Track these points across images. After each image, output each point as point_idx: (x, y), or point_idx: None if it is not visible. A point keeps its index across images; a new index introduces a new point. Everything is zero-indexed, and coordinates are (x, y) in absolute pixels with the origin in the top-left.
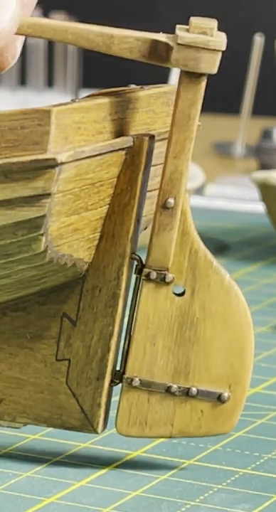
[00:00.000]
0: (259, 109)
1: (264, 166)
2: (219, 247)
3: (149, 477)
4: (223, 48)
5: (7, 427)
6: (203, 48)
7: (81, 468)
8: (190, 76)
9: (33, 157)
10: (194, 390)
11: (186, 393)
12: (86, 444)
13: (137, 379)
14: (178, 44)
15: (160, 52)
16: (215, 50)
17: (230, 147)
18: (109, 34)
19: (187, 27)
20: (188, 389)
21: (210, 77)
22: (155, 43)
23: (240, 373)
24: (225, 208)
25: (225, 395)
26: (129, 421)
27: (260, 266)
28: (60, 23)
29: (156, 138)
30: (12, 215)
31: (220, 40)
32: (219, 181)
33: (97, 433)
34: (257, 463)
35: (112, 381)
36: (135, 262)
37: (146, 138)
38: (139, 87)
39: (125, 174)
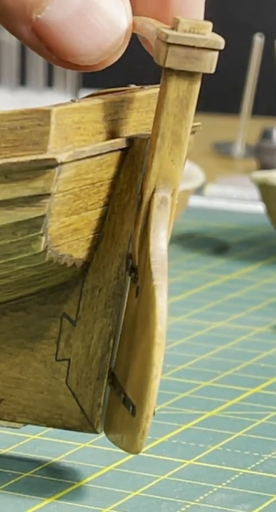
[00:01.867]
0: (260, 109)
1: (264, 166)
2: (219, 247)
3: (149, 477)
4: (220, 47)
5: (7, 427)
6: (195, 48)
7: (81, 468)
8: (163, 71)
9: (33, 157)
10: (122, 395)
11: (122, 398)
12: (86, 444)
13: (112, 379)
14: (169, 44)
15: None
16: (210, 48)
17: (230, 147)
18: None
19: (179, 25)
20: (121, 393)
21: (210, 77)
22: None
23: (143, 389)
24: (225, 208)
25: (131, 407)
26: (106, 422)
27: (260, 266)
28: None
29: None
30: (12, 215)
31: (215, 39)
32: (219, 181)
33: (97, 433)
34: (257, 463)
35: (111, 381)
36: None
37: (146, 138)
38: (139, 87)
39: (125, 174)
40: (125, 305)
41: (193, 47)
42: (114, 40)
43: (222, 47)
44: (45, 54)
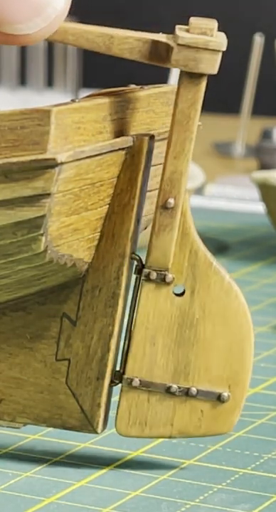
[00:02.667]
0: (260, 109)
1: (264, 166)
2: (219, 247)
3: (149, 477)
4: (223, 49)
5: (7, 427)
6: (203, 49)
7: (81, 468)
8: (190, 76)
9: (33, 157)
10: (194, 390)
11: (186, 393)
12: (86, 444)
13: (137, 379)
14: (179, 44)
15: (160, 52)
16: (215, 50)
17: (230, 147)
18: (108, 35)
19: (187, 27)
20: (188, 389)
21: (210, 77)
22: (155, 43)
23: (240, 374)
24: (225, 208)
25: (225, 394)
26: (129, 421)
27: (260, 266)
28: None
29: (156, 138)
30: (12, 215)
31: (220, 40)
32: (219, 181)
33: (96, 433)
34: (257, 463)
35: (111, 381)
36: (135, 262)
37: (146, 138)
38: (139, 87)
39: (125, 174)
40: (141, 308)
41: (205, 49)
42: (54, 4)
43: (224, 48)
44: None
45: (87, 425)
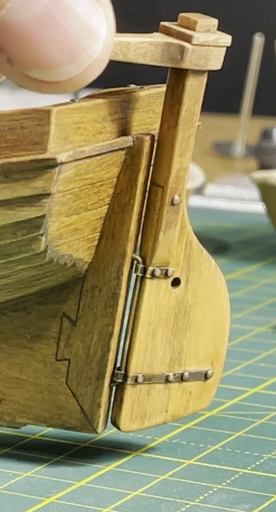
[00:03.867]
0: (259, 109)
1: (264, 166)
2: (219, 247)
3: (149, 477)
4: (229, 44)
5: (7, 427)
6: (213, 46)
7: (81, 468)
8: (196, 74)
9: (33, 157)
10: (187, 374)
11: (181, 378)
12: (86, 444)
13: (141, 375)
14: (193, 45)
15: (172, 54)
16: (222, 46)
17: (230, 147)
18: (125, 42)
19: (177, 23)
20: (182, 374)
21: (210, 77)
22: (167, 45)
23: (220, 349)
24: (225, 208)
25: (210, 372)
26: (132, 417)
27: (260, 266)
28: None
29: (156, 138)
30: (12, 215)
31: (226, 36)
32: (219, 181)
33: (97, 433)
34: (257, 463)
35: (111, 381)
36: (135, 262)
37: (146, 138)
38: (139, 87)
39: (125, 174)
40: (142, 306)
41: (214, 46)
42: (89, 51)
43: (229, 43)
44: (5, 68)
45: (87, 425)
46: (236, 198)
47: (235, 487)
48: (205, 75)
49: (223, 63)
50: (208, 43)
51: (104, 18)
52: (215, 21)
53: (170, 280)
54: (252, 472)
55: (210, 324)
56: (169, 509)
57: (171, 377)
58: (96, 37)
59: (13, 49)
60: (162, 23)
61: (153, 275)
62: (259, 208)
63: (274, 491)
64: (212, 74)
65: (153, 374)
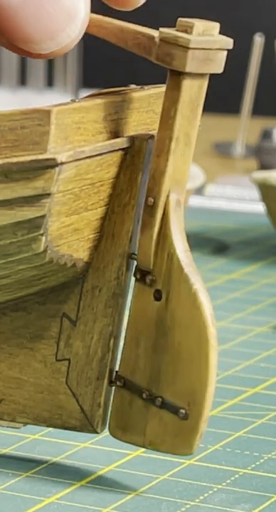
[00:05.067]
0: (260, 109)
1: (264, 166)
2: (219, 247)
3: (149, 477)
4: (230, 47)
5: (7, 426)
6: (174, 44)
7: (81, 469)
8: (172, 74)
9: (33, 157)
10: (159, 400)
11: (153, 402)
12: (86, 444)
13: (123, 380)
14: (160, 39)
15: (145, 46)
16: (221, 50)
17: (230, 147)
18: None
19: (174, 28)
20: (155, 398)
21: (210, 77)
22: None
23: (197, 392)
24: (225, 208)
25: (183, 411)
26: (116, 423)
27: (260, 266)
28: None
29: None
30: (12, 215)
31: (225, 40)
32: (219, 181)
33: (97, 433)
34: (257, 463)
35: (111, 381)
36: (134, 262)
37: (146, 138)
38: (139, 87)
39: (125, 174)
40: (131, 308)
41: (210, 49)
42: (69, 31)
43: (231, 46)
44: None
45: (87, 425)
46: (236, 198)
47: (235, 487)
48: (206, 78)
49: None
50: (169, 40)
51: (83, 1)
52: (214, 24)
53: (152, 290)
54: (252, 472)
55: (188, 356)
56: (169, 509)
57: (145, 396)
58: (75, 18)
59: (3, 23)
60: (161, 29)
61: (136, 277)
62: (260, 207)
63: (274, 491)
64: (212, 74)
65: (133, 384)
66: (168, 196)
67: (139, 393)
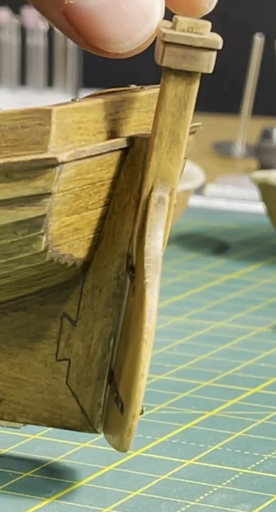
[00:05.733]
0: (260, 109)
1: (264, 166)
2: (219, 247)
3: (149, 477)
4: (217, 47)
5: (7, 426)
6: (159, 39)
7: (81, 468)
8: (162, 70)
9: (34, 156)
10: (115, 394)
11: (115, 398)
12: (86, 444)
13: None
14: (168, 43)
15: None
16: (206, 49)
17: (230, 147)
18: None
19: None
20: (117, 393)
21: (210, 77)
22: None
23: (130, 386)
24: (225, 208)
25: (120, 405)
26: (105, 421)
27: (260, 266)
28: None
29: None
30: (12, 215)
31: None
32: (219, 181)
33: (97, 433)
34: (257, 463)
35: (110, 381)
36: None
37: (147, 138)
38: (140, 87)
39: (125, 174)
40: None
41: (191, 46)
42: (145, 31)
43: (220, 47)
44: (73, 37)
45: (88, 425)
46: (236, 198)
47: (235, 487)
48: (194, 77)
49: (223, 63)
50: (183, 42)
51: (159, 1)
52: (205, 23)
53: (132, 286)
54: (252, 472)
55: (132, 350)
56: (169, 509)
57: (115, 395)
58: (151, 18)
59: (80, 26)
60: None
61: (129, 274)
62: (260, 207)
63: (274, 491)
64: (212, 74)
65: (115, 382)
66: (150, 193)
67: (113, 389)
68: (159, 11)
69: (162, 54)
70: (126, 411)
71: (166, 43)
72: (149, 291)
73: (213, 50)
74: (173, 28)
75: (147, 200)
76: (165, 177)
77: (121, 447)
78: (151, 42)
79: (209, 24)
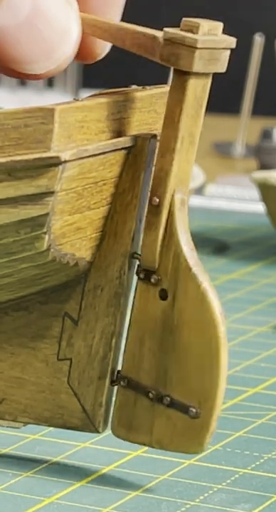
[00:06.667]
0: (260, 109)
1: (264, 166)
2: (219, 247)
3: (149, 477)
4: (233, 46)
5: (7, 426)
6: (181, 44)
7: (81, 468)
8: (178, 74)
9: (37, 155)
10: (168, 399)
11: (161, 401)
12: (86, 444)
13: (126, 379)
14: (164, 39)
15: (146, 46)
16: (191, 47)
17: (230, 147)
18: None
19: (178, 28)
20: (163, 397)
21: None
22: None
23: (209, 390)
24: (225, 208)
25: (193, 410)
26: (119, 422)
27: (260, 266)
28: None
29: (158, 138)
30: (15, 213)
31: (229, 39)
32: (219, 181)
33: (98, 433)
34: (257, 463)
35: (113, 381)
36: (136, 262)
37: (149, 137)
38: (141, 87)
39: (127, 173)
40: (134, 307)
41: (215, 48)
42: (63, 49)
43: (234, 45)
44: None
45: (89, 425)
46: (236, 198)
47: (235, 487)
48: (210, 77)
49: None
50: (175, 40)
51: (74, 19)
52: (218, 24)
53: (157, 289)
54: (252, 472)
55: (197, 355)
56: (169, 509)
57: (152, 395)
58: (68, 37)
59: None
60: (165, 29)
61: (139, 276)
62: (260, 207)
63: (274, 491)
64: (214, 73)
65: (138, 383)
66: (173, 196)
67: (144, 392)
68: (76, 30)
69: (192, 59)
70: (208, 415)
71: (197, 48)
72: (212, 296)
73: (230, 49)
74: (196, 32)
75: (171, 204)
76: (183, 179)
77: (198, 448)
78: (70, 60)
79: (221, 25)
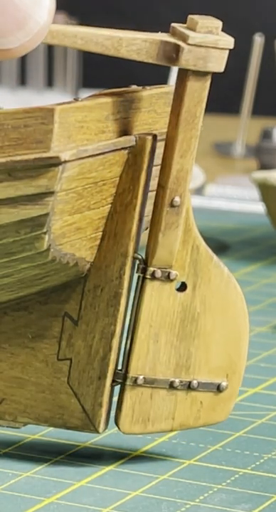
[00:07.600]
0: (260, 109)
1: (264, 166)
2: (219, 247)
3: (149, 477)
4: (231, 47)
5: (7, 426)
6: (212, 47)
7: (81, 468)
8: (197, 75)
9: (37, 155)
10: (195, 382)
11: (188, 386)
12: (86, 444)
13: (141, 377)
14: (189, 44)
15: (168, 52)
16: (223, 48)
17: (230, 147)
18: (117, 37)
19: (186, 25)
20: (190, 382)
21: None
22: (163, 44)
23: (237, 363)
24: (225, 208)
25: (224, 384)
26: (133, 419)
27: (260, 266)
28: (69, 28)
29: (158, 138)
30: (15, 214)
31: (227, 38)
32: (219, 181)
33: (98, 432)
34: (257, 463)
35: (113, 381)
36: (137, 262)
37: (149, 138)
38: (141, 87)
39: (127, 173)
40: (142, 307)
41: (213, 47)
42: (36, 17)
43: (232, 46)
44: None
45: (89, 425)
46: (236, 198)
47: (235, 487)
48: (208, 77)
49: None
50: (205, 43)
51: None
52: (218, 23)
53: (174, 284)
54: (252, 472)
55: (223, 335)
56: (169, 509)
57: (177, 384)
58: (41, 4)
59: None
60: (173, 24)
61: (153, 276)
62: (259, 208)
63: (274, 491)
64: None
65: (155, 378)
66: (181, 196)
67: (164, 384)
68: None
69: (184, 56)
70: (236, 383)
71: (191, 45)
72: (234, 279)
73: (228, 49)
74: (193, 29)
75: (182, 205)
76: (185, 177)
77: (225, 417)
78: (44, 33)
79: (220, 23)
